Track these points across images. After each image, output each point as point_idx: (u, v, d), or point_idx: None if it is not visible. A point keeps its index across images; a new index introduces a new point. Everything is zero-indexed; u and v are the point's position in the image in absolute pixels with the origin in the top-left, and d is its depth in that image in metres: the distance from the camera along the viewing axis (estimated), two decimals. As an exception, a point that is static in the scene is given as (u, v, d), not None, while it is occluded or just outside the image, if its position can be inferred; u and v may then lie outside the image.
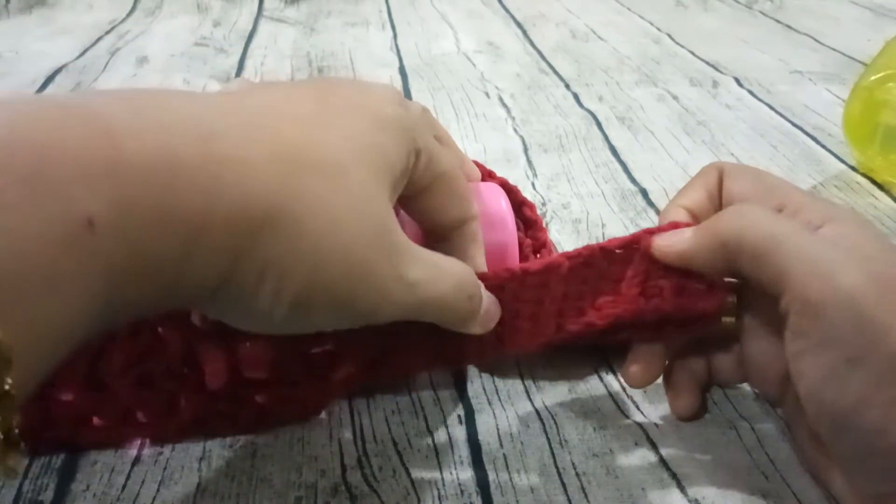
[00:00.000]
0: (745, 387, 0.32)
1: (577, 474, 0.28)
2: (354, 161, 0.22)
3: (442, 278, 0.25)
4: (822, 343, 0.23)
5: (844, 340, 0.22)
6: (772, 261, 0.24)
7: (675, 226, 0.28)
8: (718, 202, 0.30)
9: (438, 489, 0.27)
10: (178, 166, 0.18)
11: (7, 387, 0.14)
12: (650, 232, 0.28)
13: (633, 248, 0.28)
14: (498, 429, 0.30)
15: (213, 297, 0.20)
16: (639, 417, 0.30)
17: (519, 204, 0.35)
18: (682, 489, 0.27)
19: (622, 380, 0.31)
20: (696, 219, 0.29)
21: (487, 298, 0.27)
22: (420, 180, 0.26)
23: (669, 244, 0.27)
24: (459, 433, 0.30)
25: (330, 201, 0.21)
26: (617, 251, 0.28)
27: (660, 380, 0.31)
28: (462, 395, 0.32)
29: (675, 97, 0.64)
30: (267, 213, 0.20)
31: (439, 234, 0.28)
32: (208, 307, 0.22)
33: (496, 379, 0.33)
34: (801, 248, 0.24)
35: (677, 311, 0.28)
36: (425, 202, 0.27)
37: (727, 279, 0.28)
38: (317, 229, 0.21)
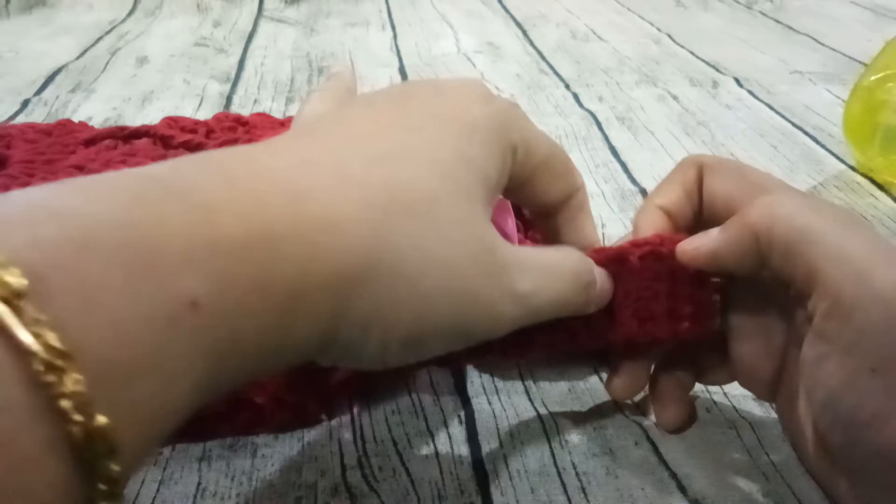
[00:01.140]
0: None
1: (577, 474, 0.28)
2: (444, 187, 0.21)
3: (555, 279, 0.24)
4: (848, 349, 0.21)
5: (872, 347, 0.21)
6: (804, 258, 0.22)
7: (660, 238, 0.27)
8: (697, 201, 0.28)
9: (438, 489, 0.27)
10: (274, 238, 0.18)
11: (114, 474, 0.14)
12: (637, 245, 0.27)
13: (624, 267, 0.27)
14: (498, 429, 0.30)
15: (319, 353, 0.20)
16: (639, 417, 0.30)
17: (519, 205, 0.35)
18: (682, 489, 0.27)
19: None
20: (673, 219, 0.28)
21: (600, 276, 0.26)
22: (521, 173, 0.25)
23: (697, 247, 0.26)
24: (459, 433, 0.30)
25: (423, 239, 0.20)
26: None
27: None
28: (462, 396, 0.32)
29: (675, 97, 0.64)
30: (362, 268, 0.19)
31: (547, 212, 0.27)
32: (318, 359, 0.21)
33: (496, 379, 0.33)
34: (836, 246, 0.22)
35: (669, 335, 0.27)
36: (530, 189, 0.26)
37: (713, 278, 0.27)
38: (413, 272, 0.20)
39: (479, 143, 0.23)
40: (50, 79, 0.70)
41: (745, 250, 0.24)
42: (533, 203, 0.27)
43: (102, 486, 0.14)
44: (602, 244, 0.28)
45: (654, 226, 0.28)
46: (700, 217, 0.28)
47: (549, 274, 0.24)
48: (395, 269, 0.20)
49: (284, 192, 0.19)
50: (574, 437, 0.30)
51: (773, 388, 0.27)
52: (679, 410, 0.29)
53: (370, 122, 0.23)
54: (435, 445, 0.29)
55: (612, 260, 0.26)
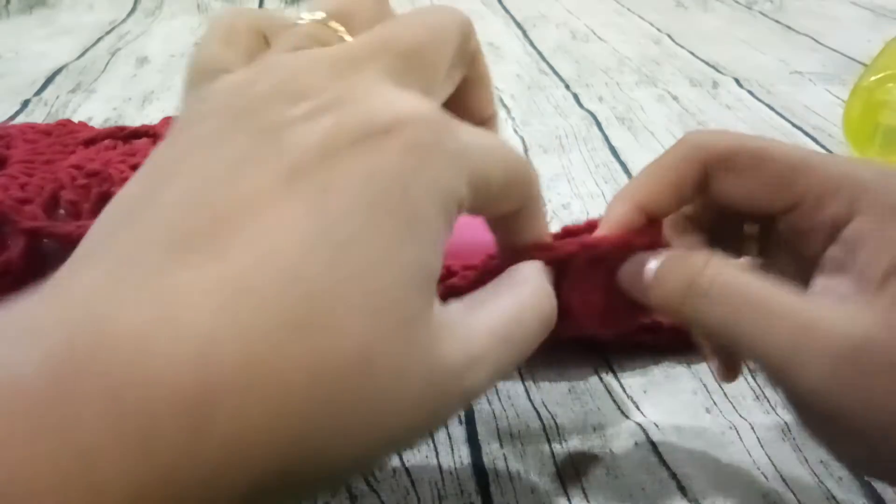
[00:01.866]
0: (745, 386, 0.32)
1: (577, 474, 0.28)
2: (380, 333, 0.15)
3: (515, 341, 0.19)
4: None
5: None
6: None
7: (622, 240, 0.24)
8: (697, 202, 0.25)
9: (438, 489, 0.27)
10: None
11: None
12: (587, 247, 0.25)
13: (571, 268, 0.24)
14: (498, 429, 0.30)
15: None
16: (639, 417, 0.30)
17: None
18: (682, 489, 0.27)
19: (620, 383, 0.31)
20: (652, 222, 0.25)
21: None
22: (471, 212, 0.20)
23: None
24: (459, 433, 0.30)
25: (353, 416, 0.15)
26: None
27: (657, 377, 0.30)
28: (462, 396, 0.32)
29: (675, 98, 0.64)
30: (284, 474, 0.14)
31: (497, 220, 0.23)
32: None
33: (496, 379, 0.33)
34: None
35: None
36: (480, 213, 0.22)
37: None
38: (345, 465, 0.16)
39: (424, 230, 0.17)
40: (50, 79, 0.70)
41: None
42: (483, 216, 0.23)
43: None
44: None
45: (623, 227, 0.25)
46: (702, 217, 0.26)
47: (503, 343, 0.19)
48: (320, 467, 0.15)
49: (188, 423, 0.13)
50: (574, 437, 0.30)
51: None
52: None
53: (271, 227, 0.15)
54: (435, 445, 0.29)
55: (562, 262, 0.24)
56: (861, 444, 0.19)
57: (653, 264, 0.22)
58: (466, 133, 0.19)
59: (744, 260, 0.24)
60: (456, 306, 0.19)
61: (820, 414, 0.20)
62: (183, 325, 0.14)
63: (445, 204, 0.17)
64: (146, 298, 0.14)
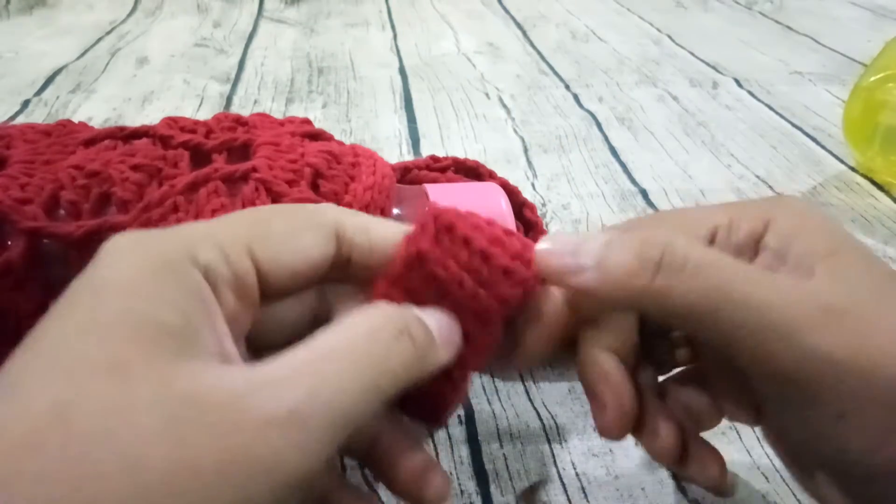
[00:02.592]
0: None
1: (576, 474, 0.28)
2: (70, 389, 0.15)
3: (342, 360, 0.17)
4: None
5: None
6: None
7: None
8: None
9: (438, 489, 0.27)
10: None
11: None
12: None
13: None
14: (498, 429, 0.30)
15: None
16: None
17: (520, 206, 0.35)
18: (681, 490, 0.27)
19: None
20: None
21: (430, 316, 0.20)
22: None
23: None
24: (459, 433, 0.30)
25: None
26: None
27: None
28: (462, 396, 0.32)
29: (674, 98, 0.64)
30: None
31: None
32: None
33: (496, 379, 0.33)
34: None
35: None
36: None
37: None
38: None
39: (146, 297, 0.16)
40: (50, 79, 0.70)
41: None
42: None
43: None
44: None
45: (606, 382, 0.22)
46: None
47: (326, 360, 0.17)
48: None
49: None
50: (574, 437, 0.30)
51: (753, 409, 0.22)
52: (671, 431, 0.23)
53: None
54: (435, 445, 0.29)
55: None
56: (849, 418, 0.18)
57: (596, 242, 0.20)
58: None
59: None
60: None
61: (818, 382, 0.18)
62: None
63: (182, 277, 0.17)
64: None
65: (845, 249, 0.20)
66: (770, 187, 0.49)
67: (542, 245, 0.20)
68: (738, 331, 0.18)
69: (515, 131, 0.58)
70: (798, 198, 0.23)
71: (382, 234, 0.21)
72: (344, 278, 0.21)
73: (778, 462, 0.28)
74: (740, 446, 0.29)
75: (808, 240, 0.20)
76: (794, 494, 0.27)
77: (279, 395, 0.15)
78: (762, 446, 0.29)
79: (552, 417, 0.30)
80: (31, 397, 0.15)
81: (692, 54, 0.76)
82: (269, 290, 0.19)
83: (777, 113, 0.61)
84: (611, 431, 0.22)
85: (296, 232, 0.20)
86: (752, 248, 0.21)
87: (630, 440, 0.29)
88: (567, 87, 0.67)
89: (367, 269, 0.21)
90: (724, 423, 0.30)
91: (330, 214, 0.21)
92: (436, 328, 0.19)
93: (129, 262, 0.17)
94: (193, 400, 0.15)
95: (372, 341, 0.17)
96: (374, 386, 0.17)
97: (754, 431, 0.29)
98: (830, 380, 0.18)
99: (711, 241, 0.21)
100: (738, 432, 0.29)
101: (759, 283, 0.18)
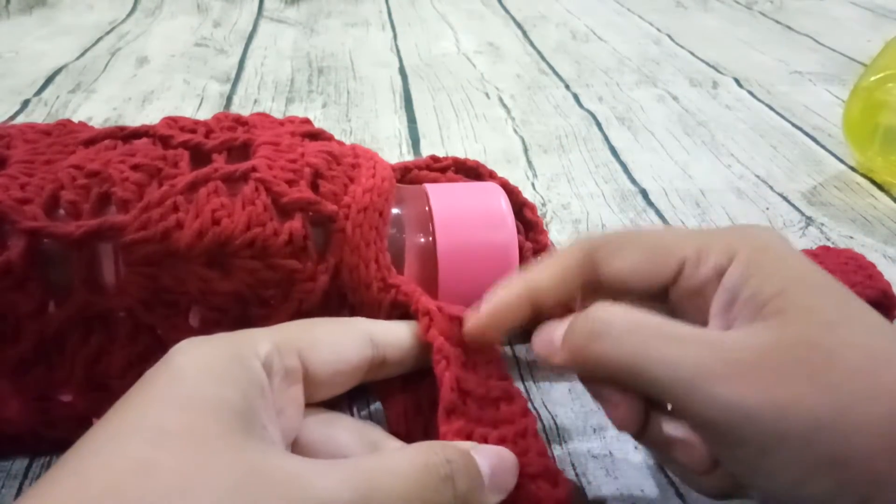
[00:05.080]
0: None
1: (576, 475, 0.28)
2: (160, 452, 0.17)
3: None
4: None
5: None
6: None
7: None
8: (578, 285, 0.24)
9: (438, 489, 0.27)
10: None
11: None
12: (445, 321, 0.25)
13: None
14: (498, 429, 0.30)
15: None
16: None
17: (520, 206, 0.35)
18: (679, 496, 0.27)
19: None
20: (538, 309, 0.24)
21: (485, 453, 0.21)
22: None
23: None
24: (459, 433, 0.30)
25: None
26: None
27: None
28: (462, 396, 0.32)
29: (674, 98, 0.64)
30: None
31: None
32: None
33: (496, 379, 0.33)
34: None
35: None
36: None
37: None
38: None
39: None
40: (50, 79, 0.70)
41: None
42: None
43: None
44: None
45: (506, 312, 0.24)
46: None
47: (383, 473, 0.19)
48: None
49: None
50: (574, 437, 0.30)
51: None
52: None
53: None
54: (435, 446, 0.29)
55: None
56: (773, 458, 0.19)
57: (560, 328, 0.23)
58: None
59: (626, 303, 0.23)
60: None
61: (732, 427, 0.19)
62: None
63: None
64: None
65: (793, 288, 0.21)
66: (770, 187, 0.49)
67: (536, 336, 0.24)
68: (656, 386, 0.20)
69: (515, 131, 0.58)
70: (765, 227, 0.24)
71: (400, 336, 0.25)
72: (379, 377, 0.25)
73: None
74: (740, 446, 0.29)
75: (760, 279, 0.21)
76: (794, 494, 0.27)
77: (341, 482, 0.18)
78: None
79: (552, 417, 0.30)
80: (115, 454, 0.17)
81: (692, 54, 0.76)
82: (314, 390, 0.23)
83: (777, 113, 0.61)
84: (628, 426, 0.23)
85: (337, 337, 0.23)
86: (715, 283, 0.22)
87: (630, 441, 0.29)
88: (567, 87, 0.67)
89: (401, 367, 0.25)
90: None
91: (361, 325, 0.25)
92: (488, 470, 0.21)
93: (202, 351, 0.20)
94: (262, 469, 0.17)
95: (425, 473, 0.19)
96: None
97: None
98: (744, 422, 0.19)
99: (679, 272, 0.23)
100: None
101: (675, 341, 0.20)
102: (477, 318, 0.25)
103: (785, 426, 0.18)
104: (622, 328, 0.21)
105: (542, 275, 0.24)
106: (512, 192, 0.35)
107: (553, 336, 0.23)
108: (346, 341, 0.24)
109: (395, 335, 0.25)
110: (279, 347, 0.22)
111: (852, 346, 0.19)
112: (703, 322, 0.23)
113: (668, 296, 0.24)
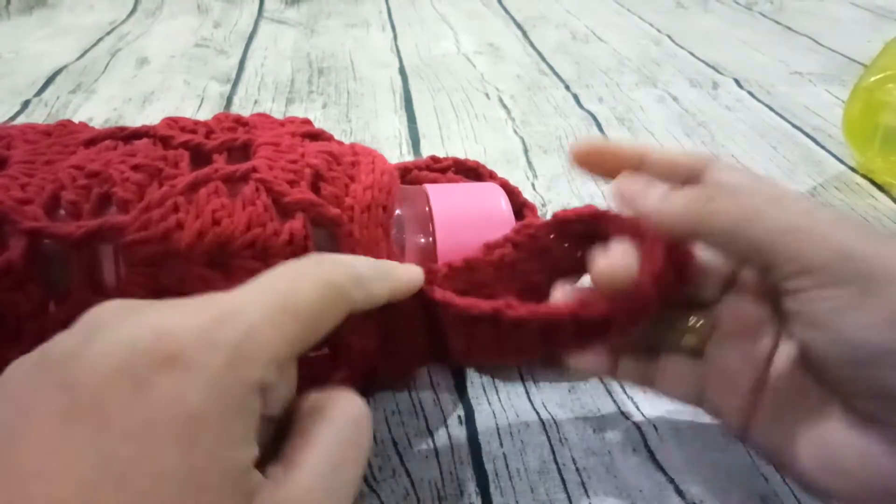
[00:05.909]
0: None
1: (577, 471, 0.28)
2: None
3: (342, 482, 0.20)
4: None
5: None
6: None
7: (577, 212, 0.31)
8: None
9: (438, 489, 0.27)
10: None
11: None
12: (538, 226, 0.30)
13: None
14: (498, 429, 0.30)
15: None
16: (638, 419, 0.30)
17: (520, 206, 0.35)
18: (679, 494, 0.27)
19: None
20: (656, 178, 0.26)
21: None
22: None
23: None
24: (459, 433, 0.30)
25: None
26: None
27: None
28: (462, 396, 0.32)
29: (675, 98, 0.64)
30: None
31: None
32: None
33: (496, 379, 0.33)
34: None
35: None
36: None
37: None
38: None
39: (213, 437, 0.17)
40: (50, 79, 0.70)
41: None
42: None
43: None
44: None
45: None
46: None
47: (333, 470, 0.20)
48: None
49: None
50: (574, 437, 0.30)
51: (748, 403, 0.24)
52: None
53: (44, 460, 0.16)
54: (435, 445, 0.29)
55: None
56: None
57: (658, 190, 0.25)
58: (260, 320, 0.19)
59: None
60: (273, 475, 0.19)
61: (841, 265, 0.20)
62: None
63: (246, 407, 0.18)
64: None
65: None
66: (770, 188, 0.49)
67: (624, 180, 0.26)
68: (767, 238, 0.21)
69: (515, 132, 0.58)
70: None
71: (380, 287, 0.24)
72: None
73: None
74: (740, 447, 0.29)
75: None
76: (794, 495, 0.27)
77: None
78: (762, 446, 0.29)
79: (552, 417, 0.30)
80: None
81: (692, 55, 0.76)
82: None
83: (777, 113, 0.61)
84: (599, 369, 0.27)
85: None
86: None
87: (630, 442, 0.29)
88: (567, 87, 0.67)
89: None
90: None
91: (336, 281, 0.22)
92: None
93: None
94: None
95: (358, 433, 0.22)
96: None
97: (754, 432, 0.29)
98: (850, 263, 0.20)
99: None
100: (737, 432, 0.29)
101: (787, 201, 0.22)
102: (589, 138, 0.26)
103: (891, 271, 0.20)
104: (741, 189, 0.23)
105: (661, 151, 0.28)
106: (512, 193, 0.35)
107: (651, 191, 0.25)
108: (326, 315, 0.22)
109: (370, 286, 0.24)
110: (279, 360, 0.20)
111: None
112: (751, 357, 0.24)
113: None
